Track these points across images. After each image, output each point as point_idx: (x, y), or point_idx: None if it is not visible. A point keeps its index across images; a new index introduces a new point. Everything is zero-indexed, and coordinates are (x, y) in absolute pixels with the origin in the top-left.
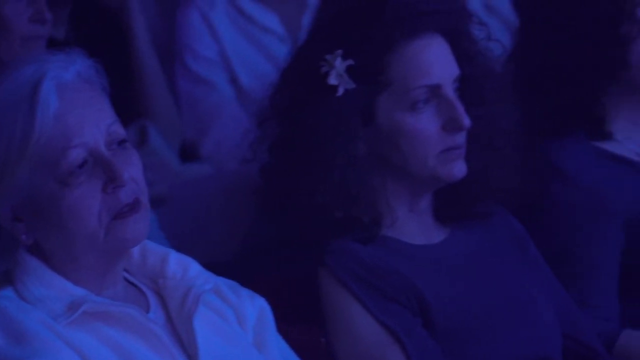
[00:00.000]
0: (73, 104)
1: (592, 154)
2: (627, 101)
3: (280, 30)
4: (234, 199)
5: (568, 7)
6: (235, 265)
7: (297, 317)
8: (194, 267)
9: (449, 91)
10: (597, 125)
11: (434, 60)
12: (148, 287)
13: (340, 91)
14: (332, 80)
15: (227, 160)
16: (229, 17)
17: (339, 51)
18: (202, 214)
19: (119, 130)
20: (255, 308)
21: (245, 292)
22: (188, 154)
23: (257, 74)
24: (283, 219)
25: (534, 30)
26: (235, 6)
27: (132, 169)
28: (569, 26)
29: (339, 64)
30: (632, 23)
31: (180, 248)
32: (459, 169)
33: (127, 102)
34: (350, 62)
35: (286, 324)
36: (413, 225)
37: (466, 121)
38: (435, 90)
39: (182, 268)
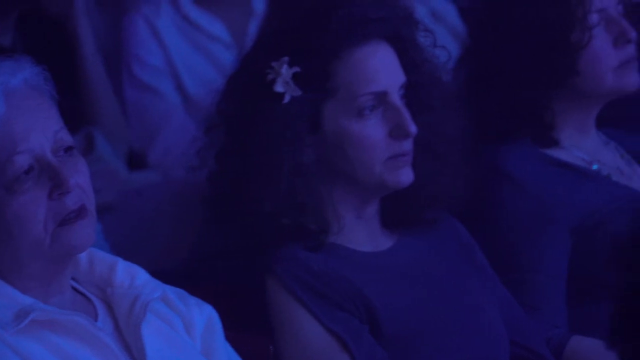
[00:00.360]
0: (20, 111)
1: (539, 161)
2: (575, 108)
3: (227, 37)
4: (181, 206)
5: (518, 13)
6: (183, 273)
7: (245, 325)
8: (142, 276)
9: (395, 98)
10: (545, 132)
11: (380, 67)
12: (96, 295)
13: (287, 98)
14: (279, 87)
15: (175, 168)
16: (175, 24)
17: (285, 58)
18: (149, 222)
19: (66, 138)
20: (203, 316)
21: (193, 300)
22: (135, 161)
23: (204, 82)
24: (230, 227)
25: (483, 36)
26: (181, 14)
27: (78, 176)
28: (519, 32)
29: (285, 71)
30: (583, 30)
31: (127, 256)
32: (405, 175)
33: (74, 109)
34: (296, 69)
35: (234, 332)
36: (360, 233)
37: (412, 128)
38: (381, 97)
39: (130, 276)
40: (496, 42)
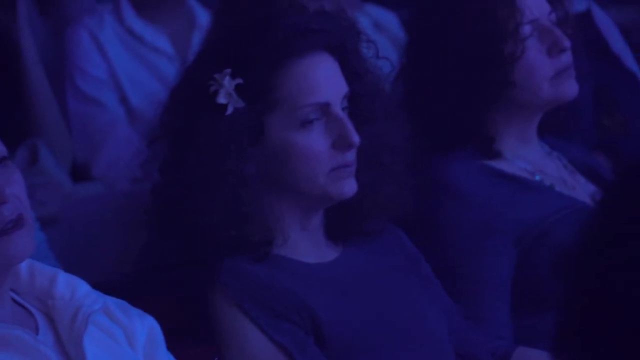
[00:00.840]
0: None
1: (481, 172)
2: (515, 119)
3: (170, 49)
4: (125, 218)
5: (454, 26)
6: (126, 285)
7: (190, 337)
8: (83, 288)
9: (338, 109)
10: (486, 143)
11: (323, 79)
12: (37, 308)
13: (230, 110)
14: (221, 99)
15: (119, 180)
16: (118, 36)
17: (228, 70)
18: (93, 234)
19: (0, 148)
20: (145, 327)
21: (135, 312)
22: (79, 174)
23: (147, 94)
24: (174, 239)
25: (422, 47)
26: (125, 26)
27: (14, 187)
28: (455, 44)
29: (228, 82)
30: (516, 42)
31: (71, 267)
32: (349, 186)
33: (18, 121)
34: (239, 80)
35: (178, 344)
36: (305, 244)
37: (355, 139)
38: (324, 109)
39: (71, 288)
40: (433, 55)
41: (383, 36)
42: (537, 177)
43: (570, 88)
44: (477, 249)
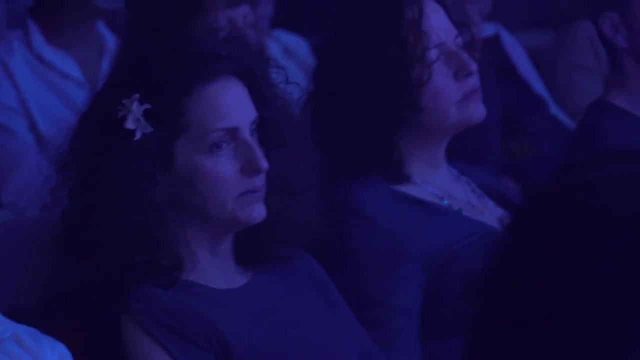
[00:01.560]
0: None
1: (390, 197)
2: (423, 144)
3: (79, 75)
4: (35, 245)
5: (361, 51)
6: (37, 312)
7: None
8: None
9: (246, 134)
10: (394, 168)
11: (231, 104)
12: None
13: (138, 135)
14: (129, 124)
15: (28, 207)
16: (27, 63)
17: (136, 95)
18: (3, 261)
19: None
20: (56, 355)
21: (45, 339)
22: None
23: (57, 120)
24: (85, 265)
25: (330, 73)
26: (34, 52)
27: None
28: (362, 69)
29: (136, 108)
30: (423, 67)
31: None
32: (258, 212)
33: None
34: (147, 106)
35: None
36: (215, 269)
37: (264, 164)
38: (233, 133)
39: None
40: (341, 80)
41: (293, 62)
42: (446, 202)
43: (477, 111)
44: (386, 274)
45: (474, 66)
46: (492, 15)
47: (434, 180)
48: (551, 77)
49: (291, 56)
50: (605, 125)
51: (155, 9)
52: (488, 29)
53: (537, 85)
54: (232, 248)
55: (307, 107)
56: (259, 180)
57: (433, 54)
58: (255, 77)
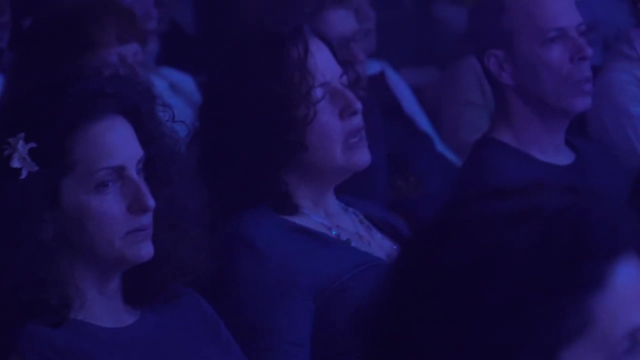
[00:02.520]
0: None
1: (279, 227)
2: (310, 181)
3: None
4: None
5: (247, 88)
6: None
7: None
8: None
9: (133, 172)
10: (282, 200)
11: (117, 142)
12: None
13: (24, 174)
14: (15, 163)
15: None
16: None
17: (21, 134)
18: None
19: None
20: None
21: None
22: None
23: None
24: None
25: (216, 109)
26: None
27: None
28: (247, 107)
29: (22, 147)
30: (308, 106)
31: None
32: (146, 250)
33: None
34: (32, 144)
35: None
36: (103, 308)
37: (150, 202)
38: (119, 172)
39: None
40: (227, 117)
41: (179, 99)
42: (334, 232)
43: (362, 157)
44: (276, 305)
45: (358, 105)
46: (377, 53)
47: (321, 211)
48: (437, 114)
49: (178, 93)
50: (491, 161)
51: (45, 46)
52: (373, 67)
53: (423, 122)
54: (119, 286)
55: (193, 143)
56: (146, 219)
57: (318, 92)
58: (142, 115)
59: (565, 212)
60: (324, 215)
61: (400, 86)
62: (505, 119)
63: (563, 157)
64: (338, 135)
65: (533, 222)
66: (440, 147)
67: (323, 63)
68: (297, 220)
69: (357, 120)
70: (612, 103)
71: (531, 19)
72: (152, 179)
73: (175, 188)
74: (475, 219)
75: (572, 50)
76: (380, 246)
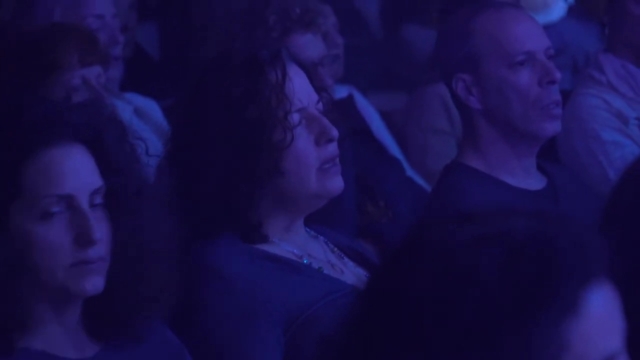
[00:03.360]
0: None
1: (248, 255)
2: (283, 208)
3: None
4: None
5: (222, 111)
6: None
7: None
8: None
9: (84, 204)
10: (251, 228)
11: (69, 171)
12: None
13: None
14: None
15: None
16: None
17: None
18: None
19: None
20: None
21: None
22: None
23: None
24: None
25: (187, 134)
26: None
27: None
28: (222, 130)
29: None
30: (285, 130)
31: None
32: (92, 284)
33: None
34: None
35: None
36: (63, 339)
37: (97, 235)
38: (68, 202)
39: None
40: (198, 141)
41: (145, 125)
42: (305, 261)
43: (335, 183)
44: (245, 335)
45: (335, 133)
46: (344, 78)
47: (292, 239)
48: (405, 139)
49: (143, 118)
50: (460, 185)
51: (8, 68)
52: (341, 91)
53: (392, 146)
54: (80, 317)
55: (162, 170)
56: (94, 252)
57: (295, 117)
58: (105, 144)
59: (535, 237)
60: (294, 243)
61: (368, 110)
62: (474, 144)
63: (534, 182)
64: (314, 162)
65: (502, 247)
66: (409, 171)
67: (300, 88)
68: (267, 248)
69: (333, 148)
70: (582, 128)
71: (499, 43)
72: (114, 210)
73: (140, 221)
74: (442, 243)
75: (541, 74)
76: (354, 274)
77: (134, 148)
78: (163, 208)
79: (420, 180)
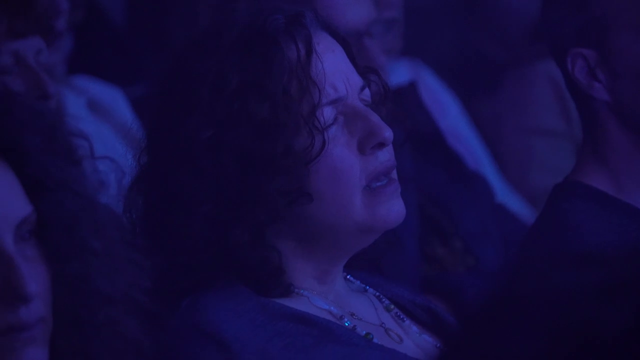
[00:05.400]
0: None
1: (261, 314)
2: (312, 249)
3: None
4: None
5: (215, 107)
6: None
7: None
8: None
9: (7, 242)
10: (270, 277)
11: None
12: None
13: None
14: None
15: None
16: None
17: None
18: None
19: None
20: None
21: None
22: None
23: None
24: None
25: (167, 139)
26: None
27: None
28: (217, 136)
29: None
30: (312, 134)
31: None
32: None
33: None
34: None
35: None
36: None
37: (30, 288)
38: None
39: None
40: (184, 150)
41: (103, 121)
42: (347, 323)
43: (393, 210)
44: None
45: (389, 134)
46: (407, 50)
47: (327, 292)
48: (495, 145)
49: (100, 113)
50: (578, 216)
51: None
52: (399, 73)
53: (474, 157)
54: None
55: (132, 190)
56: (27, 314)
57: (328, 113)
58: (31, 157)
59: None
60: (332, 298)
61: (441, 102)
62: (599, 154)
63: None
64: (357, 178)
65: (633, 300)
66: (500, 194)
67: (335, 70)
68: (291, 303)
69: (385, 157)
70: None
71: (636, 4)
72: (50, 247)
73: (91, 261)
74: (553, 297)
75: None
76: (417, 344)
77: (72, 150)
78: (128, 242)
79: (516, 207)
